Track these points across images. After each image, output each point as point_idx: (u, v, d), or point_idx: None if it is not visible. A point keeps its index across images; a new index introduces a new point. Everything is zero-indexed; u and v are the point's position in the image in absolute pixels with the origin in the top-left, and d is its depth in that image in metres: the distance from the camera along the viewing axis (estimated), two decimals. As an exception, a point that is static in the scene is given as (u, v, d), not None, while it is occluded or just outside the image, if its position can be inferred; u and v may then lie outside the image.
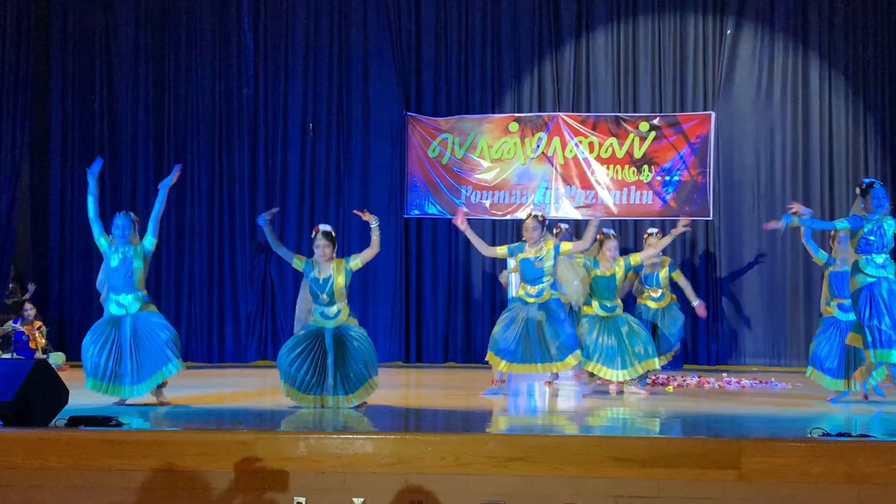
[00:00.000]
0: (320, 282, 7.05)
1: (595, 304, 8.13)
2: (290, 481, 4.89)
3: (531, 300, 7.89)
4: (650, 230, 9.82)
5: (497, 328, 7.98)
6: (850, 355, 7.56)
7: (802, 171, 11.49)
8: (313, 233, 7.27)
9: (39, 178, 11.99)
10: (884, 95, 11.40)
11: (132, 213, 7.57)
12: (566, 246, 7.96)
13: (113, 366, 7.05)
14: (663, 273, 9.39)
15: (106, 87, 11.97)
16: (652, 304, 9.40)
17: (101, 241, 7.37)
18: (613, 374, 7.95)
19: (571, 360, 7.86)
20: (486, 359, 8.06)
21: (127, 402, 7.12)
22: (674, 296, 9.40)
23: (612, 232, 8.40)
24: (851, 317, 7.31)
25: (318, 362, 6.96)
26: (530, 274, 7.89)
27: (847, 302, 7.46)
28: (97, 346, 7.09)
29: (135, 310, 7.19)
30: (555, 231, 9.38)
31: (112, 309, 7.21)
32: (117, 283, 7.22)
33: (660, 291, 9.38)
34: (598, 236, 8.21)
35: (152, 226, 7.40)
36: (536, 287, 7.88)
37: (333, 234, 7.22)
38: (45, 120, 11.96)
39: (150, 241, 7.39)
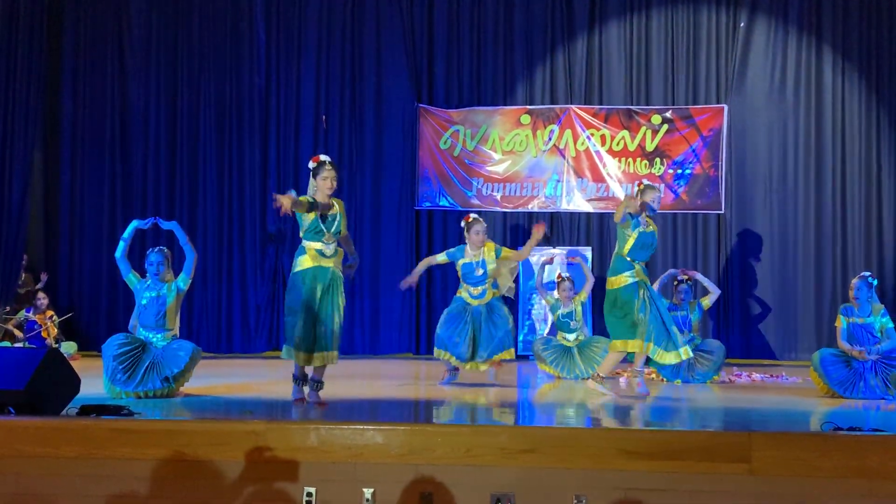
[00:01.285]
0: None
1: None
2: (301, 471, 4.89)
3: (475, 302, 8.29)
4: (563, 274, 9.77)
5: (441, 327, 8.35)
6: None
7: (815, 165, 11.45)
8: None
9: (51, 171, 12.05)
10: (897, 89, 11.36)
11: (165, 249, 7.51)
12: (506, 252, 8.32)
13: (129, 370, 7.02)
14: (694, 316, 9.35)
15: (118, 80, 12.00)
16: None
17: (131, 279, 7.32)
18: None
19: (497, 357, 8.26)
20: (435, 354, 8.49)
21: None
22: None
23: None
24: None
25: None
26: (472, 277, 8.26)
27: None
28: (119, 351, 7.03)
29: (162, 346, 7.22)
30: (557, 283, 9.52)
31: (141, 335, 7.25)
32: (149, 321, 7.22)
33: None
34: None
35: (189, 266, 7.34)
36: (479, 288, 8.30)
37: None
38: (56, 113, 12.01)
39: (184, 281, 7.36)
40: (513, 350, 8.42)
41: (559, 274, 9.72)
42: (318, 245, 6.48)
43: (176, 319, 7.39)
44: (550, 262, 10.13)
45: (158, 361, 7.08)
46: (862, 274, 8.04)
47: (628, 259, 7.34)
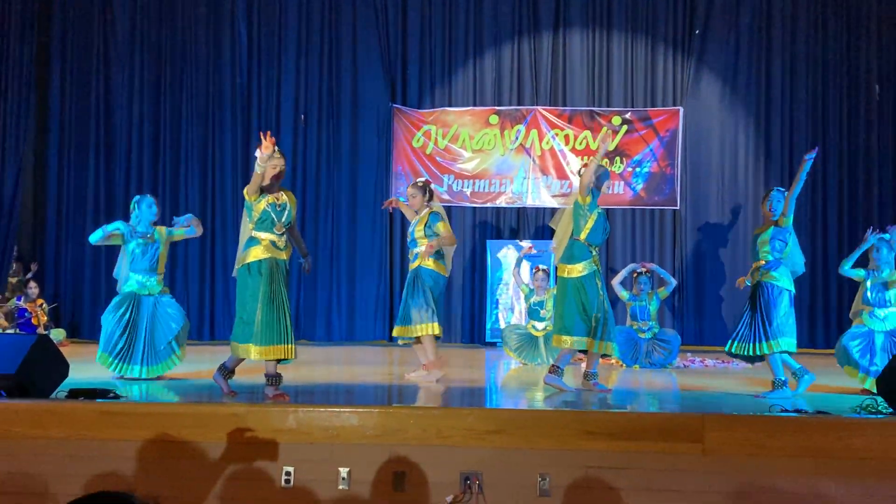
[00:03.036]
0: None
1: None
2: (280, 452, 4.89)
3: (411, 265, 7.60)
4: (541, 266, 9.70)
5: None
6: None
7: (764, 165, 11.55)
8: None
9: (39, 167, 11.94)
10: (842, 95, 11.44)
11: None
12: (440, 227, 7.41)
13: (126, 344, 7.06)
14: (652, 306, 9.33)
15: (103, 78, 11.93)
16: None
17: (119, 226, 7.26)
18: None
19: (396, 331, 7.57)
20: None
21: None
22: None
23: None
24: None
25: None
26: (410, 240, 7.65)
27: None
28: (117, 315, 7.11)
29: (157, 291, 7.27)
30: (534, 272, 9.55)
31: (133, 287, 7.22)
32: (143, 265, 7.24)
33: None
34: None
35: (185, 227, 7.42)
36: (412, 252, 7.58)
37: None
38: (45, 112, 11.92)
39: (175, 231, 7.44)
40: (421, 327, 7.33)
41: (537, 266, 9.70)
42: (272, 236, 6.11)
43: (164, 264, 7.41)
44: (531, 251, 10.11)
45: (150, 334, 7.13)
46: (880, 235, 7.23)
47: (586, 244, 6.67)
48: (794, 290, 6.74)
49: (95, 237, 7.27)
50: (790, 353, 6.71)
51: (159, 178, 11.87)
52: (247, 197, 6.13)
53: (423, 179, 7.96)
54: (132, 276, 7.25)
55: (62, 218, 11.88)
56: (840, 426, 4.76)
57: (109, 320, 7.13)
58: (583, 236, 6.69)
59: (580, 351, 6.85)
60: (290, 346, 6.01)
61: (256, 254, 6.11)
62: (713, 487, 4.71)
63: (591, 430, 4.82)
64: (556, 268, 7.02)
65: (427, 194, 7.62)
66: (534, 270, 9.57)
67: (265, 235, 6.13)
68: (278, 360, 6.03)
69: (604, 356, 7.18)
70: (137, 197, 7.52)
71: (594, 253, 6.72)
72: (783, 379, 6.54)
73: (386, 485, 4.83)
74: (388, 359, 9.93)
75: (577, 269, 6.63)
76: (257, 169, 6.05)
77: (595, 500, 4.74)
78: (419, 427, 4.88)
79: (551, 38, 11.73)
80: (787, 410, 5.16)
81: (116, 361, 7.03)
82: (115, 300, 7.28)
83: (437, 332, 7.32)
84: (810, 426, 4.78)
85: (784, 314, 6.60)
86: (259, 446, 4.89)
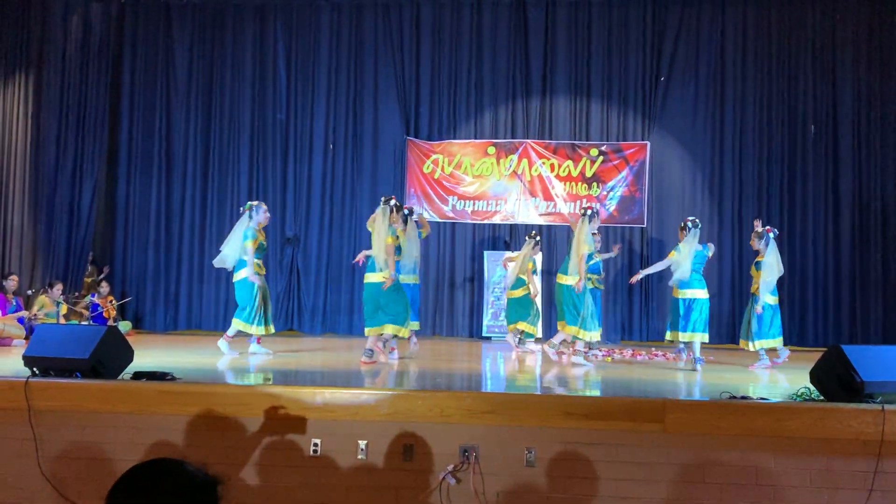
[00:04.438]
0: None
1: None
2: (309, 426, 4.90)
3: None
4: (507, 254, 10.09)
5: None
6: None
7: (718, 191, 11.54)
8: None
9: (111, 184, 11.97)
10: (783, 132, 11.44)
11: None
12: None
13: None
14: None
15: (165, 113, 11.97)
16: None
17: (248, 233, 8.32)
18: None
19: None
20: None
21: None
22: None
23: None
24: None
25: None
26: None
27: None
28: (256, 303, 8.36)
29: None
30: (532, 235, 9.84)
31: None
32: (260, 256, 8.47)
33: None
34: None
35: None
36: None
37: None
38: (116, 139, 11.96)
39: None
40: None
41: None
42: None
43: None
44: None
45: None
46: None
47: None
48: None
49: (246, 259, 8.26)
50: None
51: (209, 195, 11.90)
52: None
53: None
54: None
55: (129, 227, 11.90)
56: (779, 410, 4.76)
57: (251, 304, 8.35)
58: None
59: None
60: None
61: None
62: (672, 460, 4.71)
63: (570, 411, 4.83)
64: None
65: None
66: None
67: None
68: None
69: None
70: (254, 202, 8.66)
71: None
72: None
73: (397, 455, 4.84)
74: (402, 350, 9.90)
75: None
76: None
77: (573, 469, 4.75)
78: (425, 407, 4.89)
79: (540, 80, 11.73)
80: (734, 397, 5.16)
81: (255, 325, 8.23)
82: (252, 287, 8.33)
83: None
84: (754, 410, 4.78)
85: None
86: (291, 421, 4.90)
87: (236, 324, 8.20)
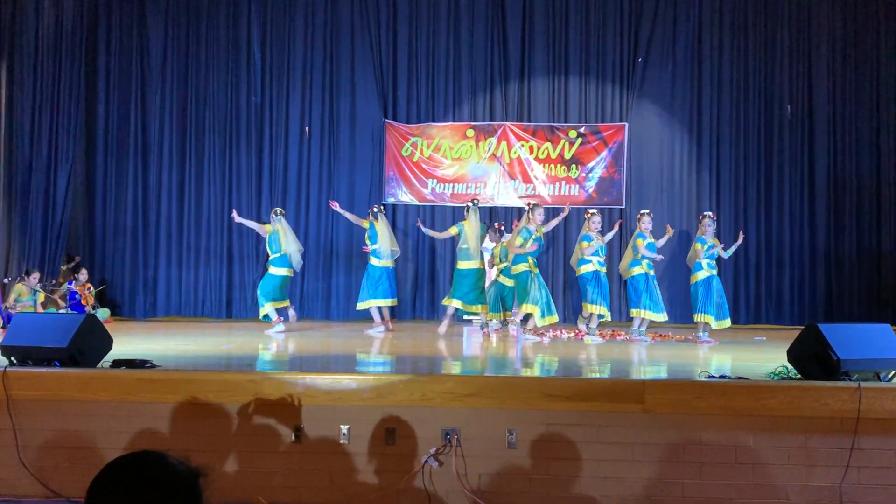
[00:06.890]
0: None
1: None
2: (291, 412, 4.89)
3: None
4: (591, 210, 9.93)
5: None
6: None
7: (696, 171, 11.61)
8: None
9: (87, 170, 11.82)
10: (760, 112, 11.52)
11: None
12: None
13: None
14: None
15: (139, 96, 11.80)
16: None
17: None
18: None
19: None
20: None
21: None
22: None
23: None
24: None
25: None
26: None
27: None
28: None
29: None
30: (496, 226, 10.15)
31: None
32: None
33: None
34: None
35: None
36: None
37: None
38: (91, 123, 11.78)
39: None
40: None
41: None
42: None
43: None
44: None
45: None
46: None
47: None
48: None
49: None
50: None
51: (185, 180, 11.80)
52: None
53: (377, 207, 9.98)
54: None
55: (106, 215, 11.77)
56: (757, 389, 4.81)
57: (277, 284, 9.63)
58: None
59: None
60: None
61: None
62: (652, 440, 4.76)
63: (551, 393, 4.85)
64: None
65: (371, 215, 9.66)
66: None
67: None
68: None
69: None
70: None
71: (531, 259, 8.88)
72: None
73: (380, 439, 4.85)
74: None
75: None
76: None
77: (555, 451, 4.78)
78: (407, 391, 4.89)
79: (519, 62, 11.71)
80: (713, 376, 5.21)
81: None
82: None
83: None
84: (732, 389, 4.83)
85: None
86: (273, 407, 4.89)
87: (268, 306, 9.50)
